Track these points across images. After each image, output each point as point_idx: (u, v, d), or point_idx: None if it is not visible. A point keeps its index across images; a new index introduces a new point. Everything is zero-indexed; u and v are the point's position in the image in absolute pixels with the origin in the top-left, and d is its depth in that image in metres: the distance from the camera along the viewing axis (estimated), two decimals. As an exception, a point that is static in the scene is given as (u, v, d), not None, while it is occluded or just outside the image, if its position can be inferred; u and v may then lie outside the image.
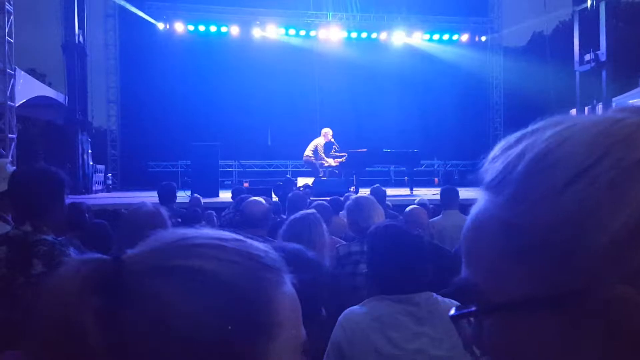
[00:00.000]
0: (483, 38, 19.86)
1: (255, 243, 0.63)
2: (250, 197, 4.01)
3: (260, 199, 3.67)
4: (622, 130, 0.42)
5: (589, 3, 15.03)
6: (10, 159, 11.30)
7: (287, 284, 0.62)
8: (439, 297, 1.99)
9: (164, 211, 2.60)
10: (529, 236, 0.43)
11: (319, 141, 12.38)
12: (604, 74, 14.54)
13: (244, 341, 0.55)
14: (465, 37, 19.42)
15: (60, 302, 0.53)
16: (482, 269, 0.47)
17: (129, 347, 0.52)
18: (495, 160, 0.48)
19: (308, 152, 12.41)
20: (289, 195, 5.62)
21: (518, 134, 0.48)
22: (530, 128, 0.47)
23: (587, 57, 15.01)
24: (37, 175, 2.39)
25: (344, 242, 3.73)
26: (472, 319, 0.48)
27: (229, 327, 0.54)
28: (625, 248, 0.39)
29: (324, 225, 2.83)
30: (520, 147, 0.46)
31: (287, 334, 0.59)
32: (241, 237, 0.63)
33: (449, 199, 5.45)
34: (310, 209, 3.82)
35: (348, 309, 2.02)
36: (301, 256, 1.68)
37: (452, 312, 0.49)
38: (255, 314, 0.56)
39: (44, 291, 0.55)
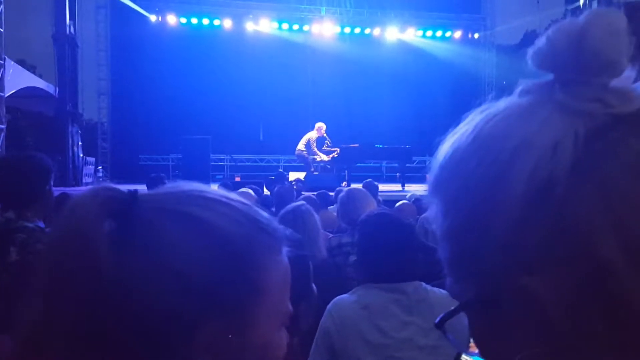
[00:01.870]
0: (476, 35, 19.90)
1: (261, 211, 0.67)
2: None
3: (249, 190, 3.67)
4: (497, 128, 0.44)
5: (581, 2, 15.10)
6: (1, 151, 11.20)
7: (282, 255, 0.66)
8: (429, 287, 1.99)
9: None
10: (449, 246, 0.46)
11: (312, 135, 12.36)
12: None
13: (231, 291, 0.59)
14: (458, 34, 19.44)
15: (78, 220, 0.57)
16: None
17: (132, 270, 0.56)
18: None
19: (300, 146, 12.39)
20: (275, 189, 5.62)
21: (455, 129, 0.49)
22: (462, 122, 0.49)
23: (579, 55, 15.07)
24: (19, 161, 2.34)
25: (332, 235, 3.74)
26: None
27: (220, 275, 0.59)
28: (522, 238, 0.40)
29: (316, 216, 2.84)
30: (447, 144, 0.48)
31: (274, 299, 0.63)
32: (249, 203, 0.68)
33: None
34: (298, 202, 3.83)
35: (337, 297, 2.01)
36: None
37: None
38: (246, 269, 0.61)
39: (63, 210, 0.58)
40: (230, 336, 0.59)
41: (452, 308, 0.48)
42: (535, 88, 0.44)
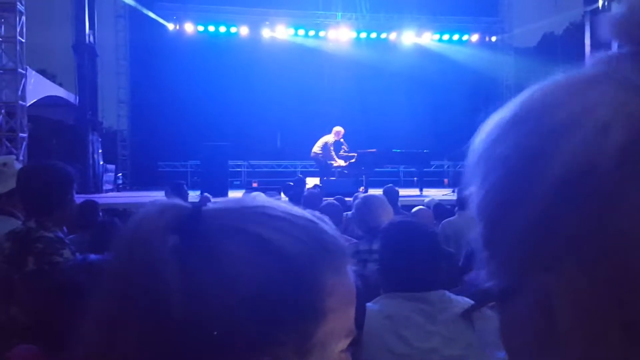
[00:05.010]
0: (493, 38, 19.75)
1: (327, 228, 0.65)
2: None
3: (261, 194, 3.67)
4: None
5: (600, 3, 14.92)
6: (21, 157, 11.39)
7: (347, 275, 0.64)
8: (452, 296, 1.95)
9: None
10: (481, 224, 0.42)
11: (329, 139, 12.28)
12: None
13: (291, 315, 0.57)
14: (475, 38, 19.32)
15: (145, 235, 0.56)
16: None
17: (192, 289, 0.55)
18: None
19: (316, 148, 12.31)
20: (305, 194, 5.62)
21: None
22: None
23: (599, 57, 14.89)
24: (43, 170, 2.36)
25: (354, 240, 3.72)
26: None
27: (279, 297, 0.57)
28: (547, 230, 0.36)
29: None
30: None
31: (335, 323, 0.60)
32: (314, 219, 0.65)
33: (467, 199, 5.32)
34: (320, 208, 3.82)
35: None
36: None
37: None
38: (308, 292, 0.58)
39: (128, 225, 0.59)
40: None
41: (479, 296, 0.44)
42: (606, 59, 0.38)
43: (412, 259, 1.95)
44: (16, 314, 2.01)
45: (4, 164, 2.91)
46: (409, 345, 1.85)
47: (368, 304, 1.98)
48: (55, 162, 2.44)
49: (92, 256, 1.51)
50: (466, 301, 1.93)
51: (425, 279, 1.93)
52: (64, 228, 2.85)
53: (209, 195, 8.09)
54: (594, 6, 15.34)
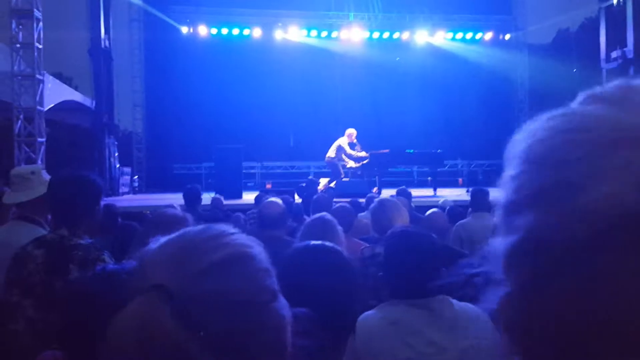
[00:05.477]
0: (507, 36, 19.62)
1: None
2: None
3: (277, 199, 3.67)
4: None
5: (615, -1, 14.77)
6: (40, 162, 11.53)
7: None
8: (454, 301, 2.00)
9: (189, 217, 2.65)
10: None
11: (343, 141, 12.31)
12: (631, 71, 14.25)
13: (268, 301, 0.68)
14: (488, 36, 19.21)
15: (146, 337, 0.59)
16: None
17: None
18: None
19: (331, 153, 12.33)
20: (314, 197, 5.60)
21: None
22: None
23: (614, 54, 14.73)
24: (76, 181, 2.47)
25: (364, 244, 3.72)
26: None
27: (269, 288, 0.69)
28: None
29: (339, 227, 2.83)
30: None
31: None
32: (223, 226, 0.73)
33: (479, 201, 5.26)
34: (332, 211, 3.82)
35: (363, 314, 2.02)
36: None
37: None
38: (272, 277, 0.70)
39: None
40: None
41: None
42: None
43: (411, 267, 2.01)
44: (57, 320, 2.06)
45: (32, 172, 2.98)
46: (415, 350, 1.89)
47: (371, 311, 2.02)
48: (86, 173, 2.55)
49: (111, 266, 1.53)
50: (468, 306, 1.96)
51: (425, 287, 1.97)
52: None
53: (219, 196, 8.15)
54: (609, 2, 15.17)
